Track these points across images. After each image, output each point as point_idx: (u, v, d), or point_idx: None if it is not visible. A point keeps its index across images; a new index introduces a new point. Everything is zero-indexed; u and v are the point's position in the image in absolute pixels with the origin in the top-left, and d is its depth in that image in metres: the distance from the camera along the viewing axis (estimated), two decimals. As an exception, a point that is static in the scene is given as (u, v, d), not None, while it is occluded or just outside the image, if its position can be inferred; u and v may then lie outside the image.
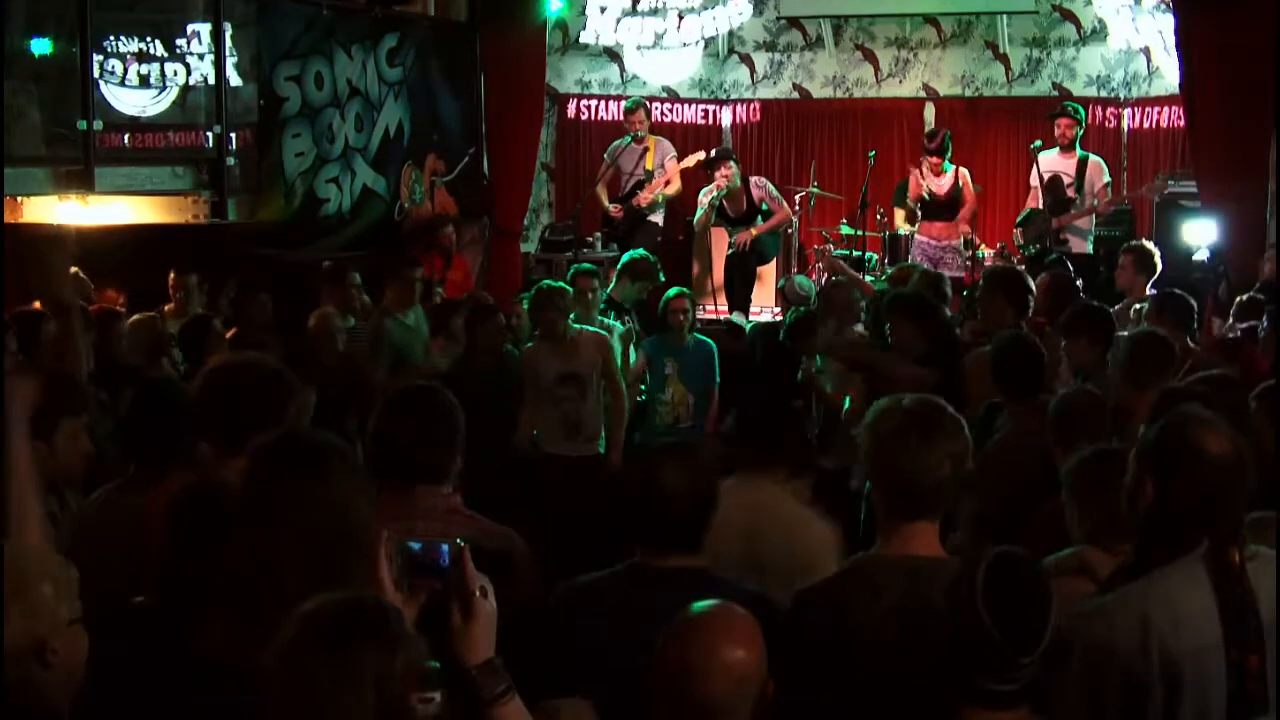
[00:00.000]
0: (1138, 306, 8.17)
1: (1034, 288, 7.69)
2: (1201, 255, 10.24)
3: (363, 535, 2.95)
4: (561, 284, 8.60)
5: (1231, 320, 7.82)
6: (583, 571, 3.81)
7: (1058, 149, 11.73)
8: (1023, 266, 10.66)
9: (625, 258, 10.09)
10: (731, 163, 12.15)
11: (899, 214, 12.06)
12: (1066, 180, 11.50)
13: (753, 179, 12.34)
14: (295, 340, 8.30)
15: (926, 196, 11.71)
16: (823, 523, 4.58)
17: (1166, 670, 3.15)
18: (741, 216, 12.20)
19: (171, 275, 8.94)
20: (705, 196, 12.07)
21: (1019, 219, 11.43)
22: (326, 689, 2.43)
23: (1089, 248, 11.46)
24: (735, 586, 3.54)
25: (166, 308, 8.64)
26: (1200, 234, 10.35)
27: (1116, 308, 8.80)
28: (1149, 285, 8.75)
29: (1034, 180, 11.69)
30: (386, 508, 3.90)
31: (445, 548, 2.77)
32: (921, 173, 11.80)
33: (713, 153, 12.68)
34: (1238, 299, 8.12)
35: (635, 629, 3.08)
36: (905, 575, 3.37)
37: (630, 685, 2.94)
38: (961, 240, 11.53)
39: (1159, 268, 8.88)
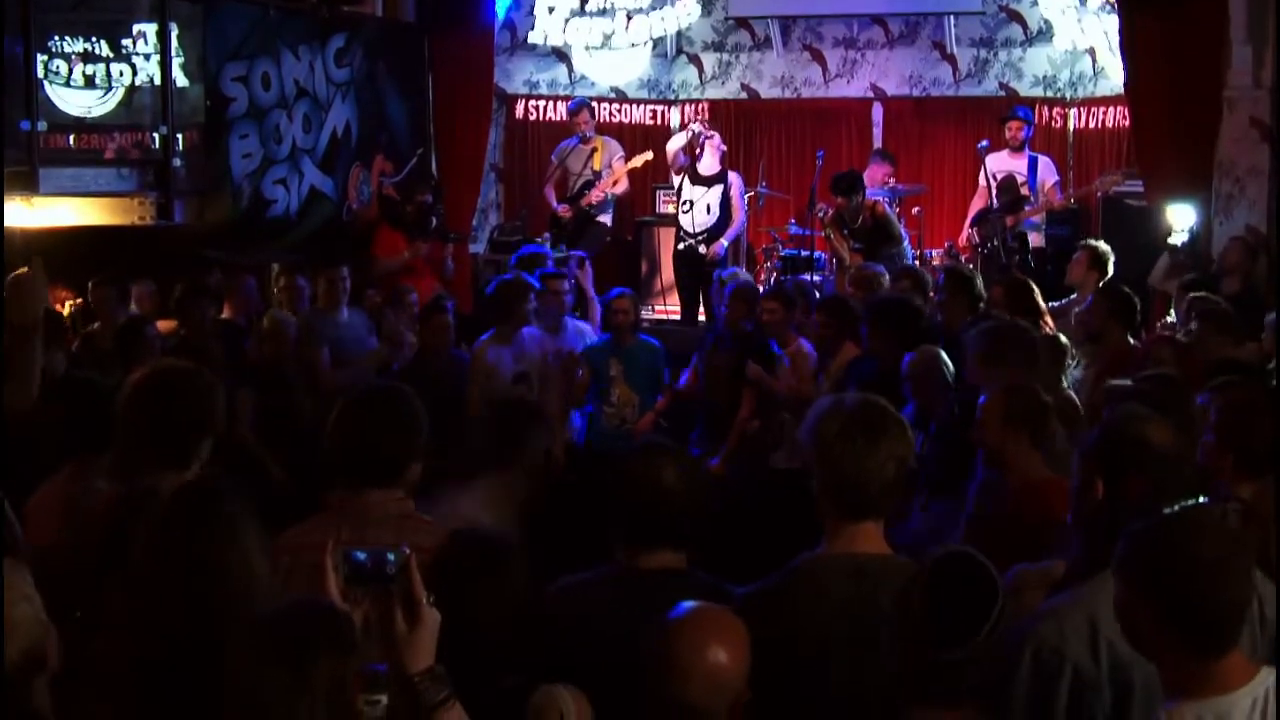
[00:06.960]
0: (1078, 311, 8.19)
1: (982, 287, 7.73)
2: (1179, 239, 10.26)
3: (255, 594, 3.10)
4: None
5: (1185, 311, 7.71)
6: (545, 571, 3.79)
7: (1007, 150, 11.87)
8: (972, 265, 10.76)
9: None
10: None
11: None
12: (1020, 179, 11.59)
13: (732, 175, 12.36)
14: (242, 343, 8.27)
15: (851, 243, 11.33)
16: None
17: (1116, 674, 3.17)
18: (708, 178, 12.17)
19: (90, 286, 8.71)
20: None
21: (973, 218, 11.53)
22: (283, 696, 2.49)
23: (1043, 243, 11.57)
24: (715, 586, 3.54)
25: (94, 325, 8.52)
26: (1179, 219, 10.36)
27: (1062, 302, 8.90)
28: (1099, 284, 8.68)
29: (982, 180, 11.74)
30: (339, 509, 3.91)
31: (391, 556, 2.77)
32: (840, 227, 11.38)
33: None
34: (1190, 295, 8.02)
35: (622, 631, 3.07)
36: (851, 574, 3.37)
37: (615, 687, 2.95)
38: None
39: (1110, 270, 8.87)
